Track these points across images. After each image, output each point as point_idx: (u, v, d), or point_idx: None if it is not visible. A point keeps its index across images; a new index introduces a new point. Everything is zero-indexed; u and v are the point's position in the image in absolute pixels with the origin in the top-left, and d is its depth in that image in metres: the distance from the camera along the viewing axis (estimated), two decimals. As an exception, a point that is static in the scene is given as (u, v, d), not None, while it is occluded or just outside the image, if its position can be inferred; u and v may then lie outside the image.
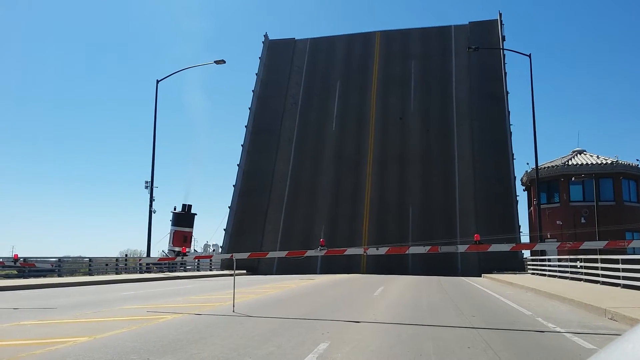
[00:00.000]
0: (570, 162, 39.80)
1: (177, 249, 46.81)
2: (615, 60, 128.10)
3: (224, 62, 34.12)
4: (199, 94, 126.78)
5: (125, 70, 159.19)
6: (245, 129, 47.88)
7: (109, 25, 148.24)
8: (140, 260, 39.42)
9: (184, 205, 51.97)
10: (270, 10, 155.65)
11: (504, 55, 44.74)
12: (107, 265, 32.33)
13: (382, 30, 51.21)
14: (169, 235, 51.81)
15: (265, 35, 52.65)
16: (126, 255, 32.96)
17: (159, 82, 34.73)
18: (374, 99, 46.70)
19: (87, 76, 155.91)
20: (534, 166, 33.32)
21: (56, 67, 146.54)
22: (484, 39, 43.87)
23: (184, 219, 50.43)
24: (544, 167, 39.41)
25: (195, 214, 57.58)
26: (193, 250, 60.05)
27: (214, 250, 69.11)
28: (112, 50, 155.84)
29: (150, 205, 34.54)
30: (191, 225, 54.33)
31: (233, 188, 45.20)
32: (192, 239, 57.91)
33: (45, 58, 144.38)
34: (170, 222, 52.30)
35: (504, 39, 45.64)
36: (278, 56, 51.13)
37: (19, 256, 18.75)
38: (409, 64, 47.97)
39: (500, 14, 47.16)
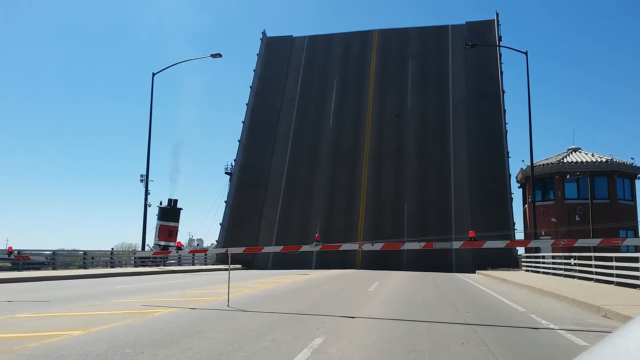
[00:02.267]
0: (565, 160, 39.91)
1: (162, 243, 46.81)
2: (611, 59, 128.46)
3: (220, 55, 34.01)
4: (196, 89, 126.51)
5: (122, 66, 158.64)
6: (242, 124, 48.02)
7: (105, 20, 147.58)
8: (135, 253, 39.41)
9: (169, 200, 52.08)
10: (268, 8, 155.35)
11: (500, 54, 45.15)
12: (93, 258, 32.18)
13: (379, 29, 51.54)
14: (154, 229, 52.02)
15: (263, 32, 52.87)
16: (112, 249, 32.84)
17: (155, 75, 34.62)
18: (371, 96, 46.84)
19: (83, 71, 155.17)
20: (529, 163, 33.41)
21: (52, 62, 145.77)
22: (480, 39, 44.01)
23: (169, 213, 50.48)
24: (539, 165, 39.50)
25: (181, 209, 57.86)
26: None
27: (197, 244, 69.23)
28: (108, 46, 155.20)
29: (146, 199, 34.50)
30: (177, 220, 54.58)
31: (229, 182, 45.46)
32: (178, 233, 58.27)
33: (42, 54, 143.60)
34: (157, 217, 52.45)
35: (500, 39, 45.90)
36: (276, 53, 51.31)
37: (13, 249, 18.69)
38: (406, 62, 48.19)
39: (497, 14, 47.67)
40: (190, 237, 75.80)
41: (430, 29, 50.82)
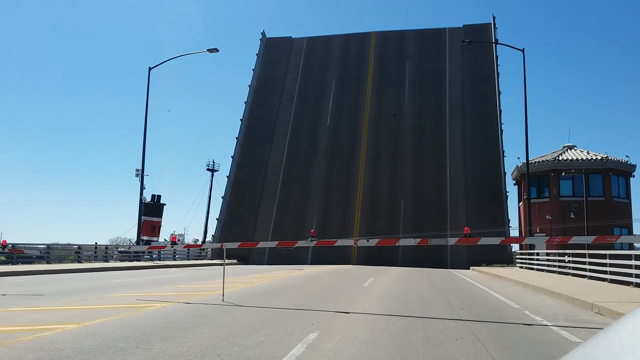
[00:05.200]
0: (560, 157, 40.02)
1: (145, 238, 47.07)
2: (608, 57, 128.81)
3: (217, 50, 33.96)
4: (194, 86, 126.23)
5: (120, 62, 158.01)
6: (240, 122, 48.52)
7: (105, 16, 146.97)
8: (129, 247, 39.34)
9: (153, 196, 52.26)
10: (268, 9, 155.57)
11: (496, 56, 45.94)
12: (77, 253, 32.06)
13: (377, 31, 52.16)
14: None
15: (263, 33, 53.74)
16: (96, 243, 32.68)
17: (152, 70, 34.49)
18: (368, 96, 47.30)
19: (80, 65, 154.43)
20: (525, 160, 33.51)
21: (48, 56, 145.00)
22: (477, 41, 44.40)
23: (153, 209, 50.60)
24: (535, 162, 39.62)
25: (165, 204, 58.28)
26: (163, 240, 60.43)
27: (179, 240, 69.34)
28: (108, 43, 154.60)
29: (141, 193, 34.56)
30: (160, 215, 54.92)
31: (227, 179, 45.88)
32: (161, 229, 58.83)
33: (37, 49, 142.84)
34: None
35: (496, 41, 46.30)
36: (275, 53, 52.06)
37: (7, 242, 18.63)
38: (404, 63, 48.83)
39: (494, 18, 48.16)
40: (173, 232, 76.21)
41: (428, 31, 51.36)
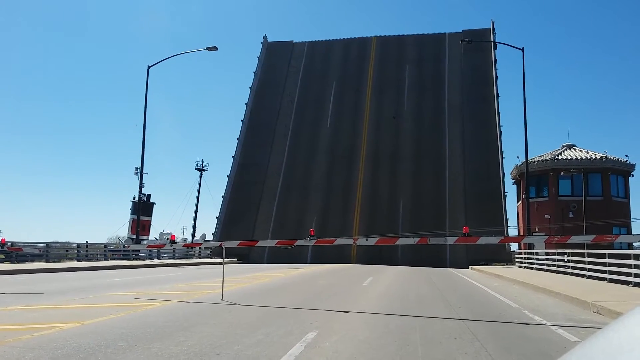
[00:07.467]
0: (559, 157, 40.01)
1: (134, 236, 47.46)
2: (607, 58, 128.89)
3: (216, 48, 33.90)
4: (192, 87, 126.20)
5: (121, 66, 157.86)
6: (241, 123, 48.97)
7: (106, 20, 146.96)
8: (128, 246, 39.32)
9: (143, 194, 52.54)
10: (270, 14, 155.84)
11: (495, 60, 46.57)
12: (67, 251, 32.01)
13: (378, 36, 52.81)
14: (128, 223, 52.99)
15: (264, 37, 54.60)
16: (87, 242, 32.48)
17: (150, 68, 34.43)
18: (368, 99, 47.83)
19: (78, 64, 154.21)
20: (524, 159, 33.52)
21: (45, 57, 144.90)
22: (476, 46, 44.70)
23: (143, 207, 51.06)
24: (534, 161, 39.61)
25: (154, 203, 58.65)
26: (154, 238, 60.61)
27: (167, 239, 69.25)
28: (108, 44, 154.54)
29: (140, 192, 34.47)
30: (150, 214, 55.24)
31: (227, 179, 46.23)
32: (151, 227, 59.16)
33: (37, 48, 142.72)
34: (130, 211, 53.21)
35: (495, 46, 46.71)
36: (276, 57, 52.91)
37: (6, 240, 18.61)
38: (404, 67, 49.43)
39: (493, 23, 48.61)
40: (163, 231, 76.37)
41: (428, 36, 51.81)
